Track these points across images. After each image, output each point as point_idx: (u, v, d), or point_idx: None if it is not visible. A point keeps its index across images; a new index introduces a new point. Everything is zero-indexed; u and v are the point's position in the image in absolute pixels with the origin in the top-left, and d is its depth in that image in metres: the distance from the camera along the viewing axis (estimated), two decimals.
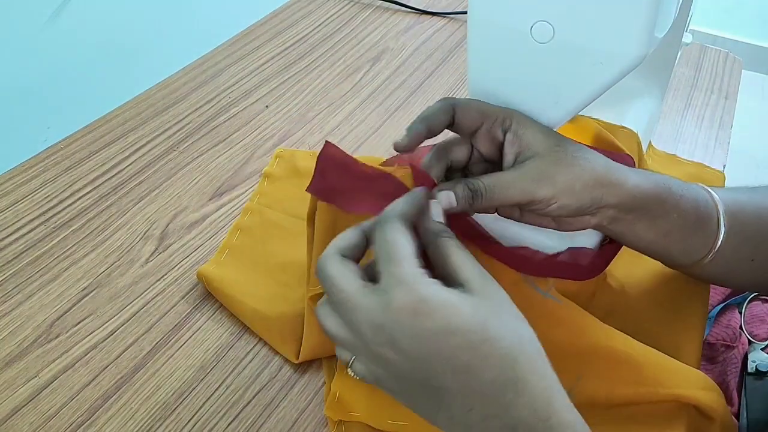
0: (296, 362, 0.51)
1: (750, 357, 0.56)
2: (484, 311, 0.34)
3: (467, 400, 0.34)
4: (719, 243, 0.46)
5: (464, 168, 0.47)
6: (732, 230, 0.46)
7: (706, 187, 0.48)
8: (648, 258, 0.49)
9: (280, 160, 0.68)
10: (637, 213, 0.44)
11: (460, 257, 0.37)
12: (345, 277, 0.35)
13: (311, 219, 0.49)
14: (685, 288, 0.54)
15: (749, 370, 0.55)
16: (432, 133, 0.44)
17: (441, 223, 0.40)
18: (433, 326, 0.33)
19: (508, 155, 0.44)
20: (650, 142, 0.71)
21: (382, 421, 0.47)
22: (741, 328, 0.58)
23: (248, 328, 0.53)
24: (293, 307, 0.53)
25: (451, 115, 0.45)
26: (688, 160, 0.70)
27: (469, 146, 0.46)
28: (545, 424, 0.33)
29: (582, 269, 0.47)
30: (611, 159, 0.50)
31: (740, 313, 0.60)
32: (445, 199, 0.41)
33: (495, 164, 0.45)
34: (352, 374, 0.37)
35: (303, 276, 0.55)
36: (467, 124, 0.45)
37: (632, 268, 0.55)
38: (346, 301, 0.35)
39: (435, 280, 0.34)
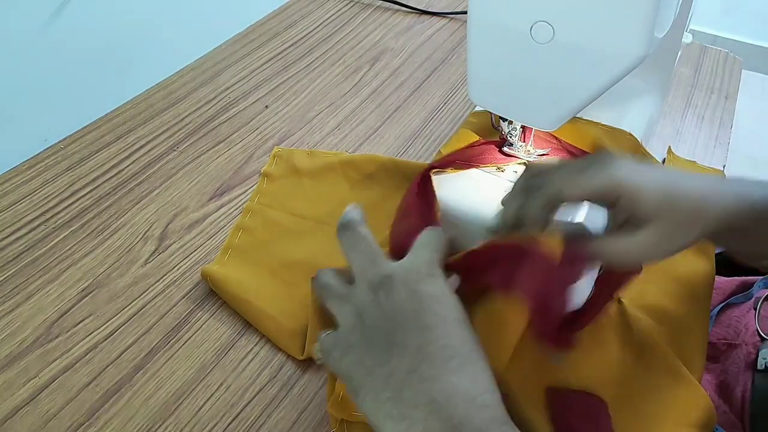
0: (301, 358, 0.51)
1: (761, 354, 0.56)
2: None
3: (416, 359, 0.36)
4: None
5: None
6: None
7: None
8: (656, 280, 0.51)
9: (278, 160, 0.68)
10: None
11: None
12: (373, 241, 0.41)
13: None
14: (690, 309, 0.54)
15: (759, 367, 0.56)
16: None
17: None
18: (430, 290, 0.38)
19: (618, 218, 0.44)
20: (669, 147, 0.71)
21: None
22: (756, 325, 0.58)
23: (248, 328, 0.53)
24: (299, 305, 0.54)
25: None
26: (708, 167, 0.69)
27: None
28: (474, 402, 0.35)
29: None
30: None
31: (756, 310, 0.60)
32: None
33: None
34: (318, 355, 0.40)
35: (308, 274, 0.55)
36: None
37: (644, 288, 0.55)
38: (371, 252, 0.40)
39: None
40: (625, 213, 0.43)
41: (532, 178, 0.43)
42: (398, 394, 0.35)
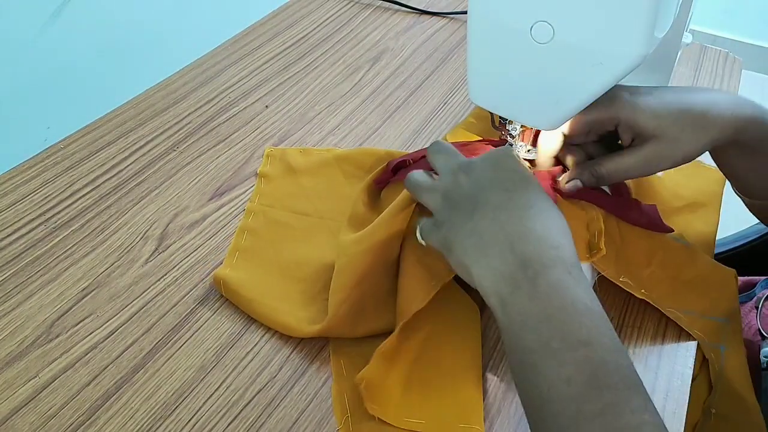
0: (317, 336, 0.52)
1: (762, 353, 0.57)
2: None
3: (496, 212, 0.41)
4: None
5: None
6: None
7: None
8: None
9: (273, 159, 0.69)
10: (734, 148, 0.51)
11: None
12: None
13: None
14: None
15: (762, 366, 0.56)
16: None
17: None
18: (509, 164, 0.45)
19: (625, 139, 0.50)
20: None
21: (400, 419, 0.47)
22: (758, 323, 0.58)
23: (249, 327, 0.53)
24: (312, 300, 0.54)
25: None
26: (709, 166, 0.69)
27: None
28: (544, 243, 0.40)
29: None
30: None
31: (757, 309, 0.60)
32: (572, 186, 0.51)
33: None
34: (419, 237, 0.48)
35: (319, 271, 0.56)
36: (577, 135, 0.52)
37: None
38: (452, 152, 0.48)
39: None
40: (629, 137, 0.50)
41: None
42: (480, 239, 0.41)
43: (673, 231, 0.55)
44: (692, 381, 0.51)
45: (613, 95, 0.48)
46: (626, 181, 0.56)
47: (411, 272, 0.51)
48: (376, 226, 0.52)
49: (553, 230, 0.40)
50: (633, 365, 0.37)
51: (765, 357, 0.56)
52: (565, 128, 0.51)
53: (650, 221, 0.54)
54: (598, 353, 0.35)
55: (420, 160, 0.58)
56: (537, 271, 0.38)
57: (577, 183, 0.51)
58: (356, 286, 0.51)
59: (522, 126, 0.54)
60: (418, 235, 0.48)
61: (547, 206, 0.42)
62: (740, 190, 0.55)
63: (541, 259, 0.38)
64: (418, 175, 0.49)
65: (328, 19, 0.93)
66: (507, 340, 0.39)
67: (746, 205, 0.56)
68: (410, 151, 0.71)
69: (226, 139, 0.72)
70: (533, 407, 0.37)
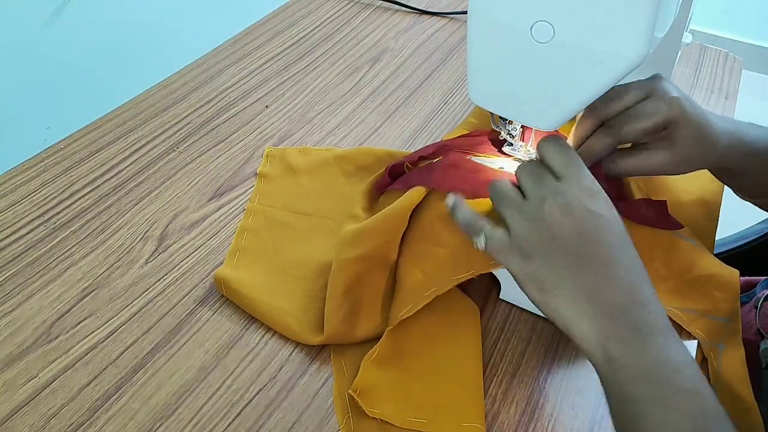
0: (319, 344, 0.52)
1: (762, 352, 0.57)
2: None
3: (607, 274, 0.42)
4: None
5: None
6: None
7: None
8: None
9: (272, 159, 0.69)
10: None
11: None
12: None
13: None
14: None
15: (763, 365, 0.56)
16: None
17: None
18: (601, 211, 0.43)
19: (652, 138, 0.51)
20: None
21: (402, 419, 0.47)
22: (757, 323, 0.59)
23: (249, 328, 0.53)
24: (313, 299, 0.54)
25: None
26: None
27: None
28: (648, 308, 0.41)
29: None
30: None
31: (757, 308, 0.60)
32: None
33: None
34: (482, 242, 0.45)
35: (320, 270, 0.56)
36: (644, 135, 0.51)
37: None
38: (539, 173, 0.45)
39: None
40: (655, 135, 0.50)
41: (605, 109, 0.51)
42: (592, 299, 0.41)
43: (683, 227, 0.55)
44: None
45: (672, 100, 0.49)
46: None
47: (408, 278, 0.51)
48: (371, 231, 0.52)
49: (652, 292, 0.43)
50: (728, 417, 0.39)
51: (765, 357, 0.57)
52: (645, 126, 0.50)
53: (659, 217, 0.54)
54: (700, 403, 0.38)
55: (417, 161, 0.58)
56: (648, 331, 0.41)
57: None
58: (346, 294, 0.52)
59: (522, 126, 0.54)
60: (481, 241, 0.45)
61: (640, 264, 0.44)
62: (745, 194, 0.56)
63: (649, 323, 0.41)
64: (506, 186, 0.46)
65: (328, 19, 0.93)
66: (610, 390, 0.41)
67: (760, 207, 0.58)
68: (410, 151, 0.71)
69: (226, 139, 0.72)
70: None
